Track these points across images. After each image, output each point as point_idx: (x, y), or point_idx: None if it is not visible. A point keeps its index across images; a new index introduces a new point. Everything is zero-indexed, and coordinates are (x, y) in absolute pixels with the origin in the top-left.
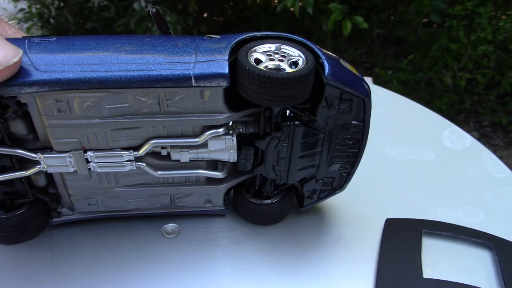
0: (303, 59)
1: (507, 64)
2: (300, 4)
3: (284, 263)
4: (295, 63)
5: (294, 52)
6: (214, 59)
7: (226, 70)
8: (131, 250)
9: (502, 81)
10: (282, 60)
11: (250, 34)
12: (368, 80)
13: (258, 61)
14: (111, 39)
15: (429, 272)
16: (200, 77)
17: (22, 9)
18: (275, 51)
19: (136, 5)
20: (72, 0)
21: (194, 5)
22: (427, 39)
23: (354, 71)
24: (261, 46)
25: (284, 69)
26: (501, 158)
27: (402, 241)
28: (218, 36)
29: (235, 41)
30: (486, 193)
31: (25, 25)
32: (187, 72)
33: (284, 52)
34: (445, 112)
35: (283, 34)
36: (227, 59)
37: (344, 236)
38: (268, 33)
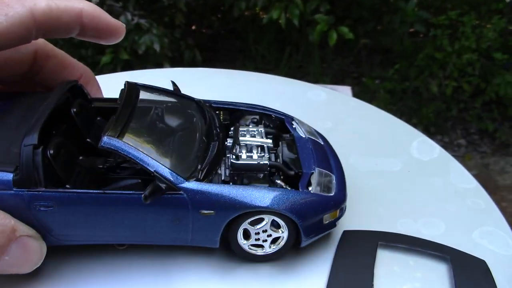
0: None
1: (491, 72)
2: (287, 16)
3: (231, 271)
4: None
5: (277, 232)
6: (206, 239)
7: (217, 245)
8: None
9: (487, 88)
10: (265, 240)
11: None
12: (347, 89)
13: (246, 235)
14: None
15: (381, 285)
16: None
17: None
18: (264, 230)
19: (122, 18)
20: None
21: (181, 17)
22: (412, 49)
23: None
24: (254, 227)
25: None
26: (487, 165)
27: (356, 253)
28: (213, 212)
29: (228, 220)
30: (450, 204)
31: None
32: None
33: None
34: (432, 120)
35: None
36: (218, 239)
37: (300, 247)
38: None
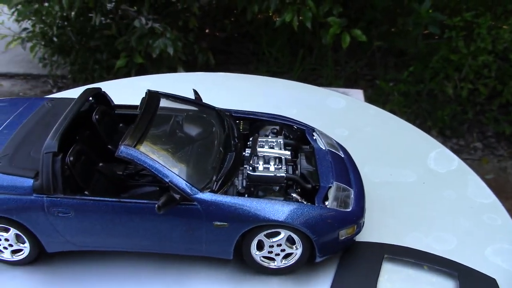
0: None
1: (508, 73)
2: (300, 18)
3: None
4: (288, 256)
5: (291, 248)
6: (220, 250)
7: (230, 257)
8: None
9: (504, 90)
10: (278, 254)
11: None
12: (359, 92)
13: (260, 246)
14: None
15: None
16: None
17: (25, 29)
18: (278, 244)
19: (137, 23)
20: (74, 19)
21: (195, 21)
22: (427, 51)
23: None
24: (270, 239)
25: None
26: (505, 168)
27: (360, 265)
28: (226, 224)
29: (241, 233)
30: (464, 219)
31: (29, 44)
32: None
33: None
34: (448, 123)
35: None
36: (231, 251)
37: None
38: None
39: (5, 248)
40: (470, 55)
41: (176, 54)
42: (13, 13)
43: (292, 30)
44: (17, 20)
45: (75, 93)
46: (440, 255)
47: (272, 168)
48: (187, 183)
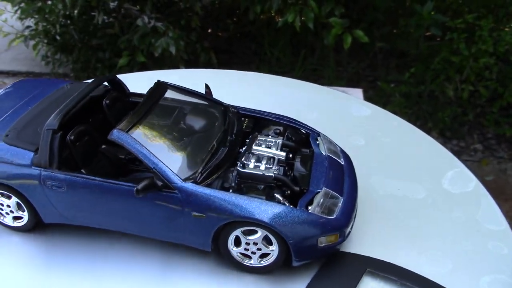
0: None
1: (509, 76)
2: (302, 19)
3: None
4: (265, 255)
5: (267, 248)
6: (198, 241)
7: (209, 249)
8: None
9: (505, 93)
10: (254, 253)
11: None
12: (358, 91)
13: (238, 242)
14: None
15: None
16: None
17: (28, 27)
18: (255, 242)
19: (139, 22)
20: (77, 18)
21: (197, 21)
22: (428, 52)
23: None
24: (246, 237)
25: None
26: (505, 170)
27: (338, 275)
28: (204, 215)
29: (218, 226)
30: (466, 243)
31: (32, 42)
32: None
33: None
34: (448, 124)
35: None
36: (209, 243)
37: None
38: None
39: (7, 213)
40: (472, 57)
41: (178, 53)
42: (16, 11)
43: (294, 31)
44: (20, 18)
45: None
46: (430, 277)
47: (262, 167)
48: (171, 172)
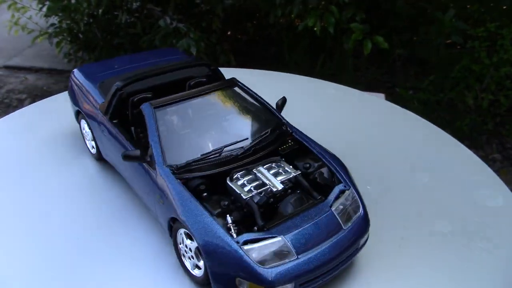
0: None
1: None
2: (322, 23)
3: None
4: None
5: (197, 260)
6: (162, 223)
7: (168, 234)
8: None
9: None
10: (190, 258)
11: None
12: (381, 96)
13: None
14: None
15: None
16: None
17: (52, 24)
18: (190, 248)
19: (161, 22)
20: (101, 17)
21: (218, 23)
22: (448, 60)
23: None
24: (187, 239)
25: None
26: None
27: None
28: (163, 203)
29: (169, 217)
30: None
31: (55, 40)
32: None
33: None
34: (467, 133)
35: None
36: (167, 229)
37: None
38: None
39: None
40: (492, 66)
41: (198, 54)
42: (41, 8)
43: (313, 35)
44: (46, 16)
45: None
46: None
47: (247, 188)
48: (160, 153)
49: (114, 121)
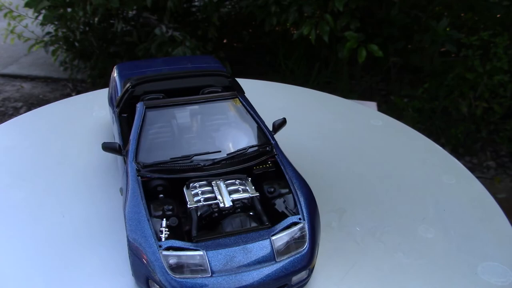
0: None
1: None
2: (317, 32)
3: None
4: None
5: None
6: None
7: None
8: None
9: None
10: None
11: None
12: (372, 105)
13: None
14: None
15: None
16: None
17: (48, 33)
18: None
19: (157, 31)
20: (97, 25)
21: (214, 31)
22: (443, 68)
23: None
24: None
25: None
26: None
27: None
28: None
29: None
30: None
31: (51, 48)
32: None
33: None
34: (461, 141)
35: None
36: None
37: None
38: None
39: None
40: (486, 74)
41: None
42: (37, 17)
43: (308, 43)
44: (42, 24)
45: (94, 95)
46: None
47: (198, 198)
48: (134, 150)
49: (123, 115)
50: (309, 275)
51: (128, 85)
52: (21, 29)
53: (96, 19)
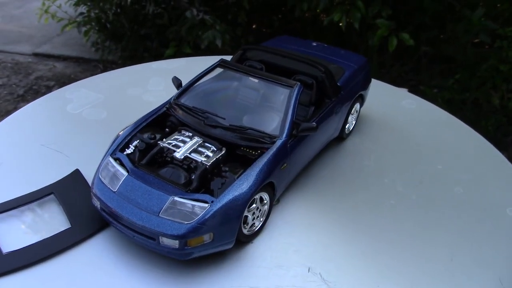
0: None
1: None
2: (348, 19)
3: None
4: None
5: None
6: None
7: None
8: None
9: None
10: None
11: None
12: (403, 91)
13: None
14: None
15: None
16: None
17: (81, 13)
18: None
19: (188, 14)
20: (129, 7)
21: (244, 16)
22: (475, 59)
23: None
24: None
25: None
26: None
27: None
28: None
29: None
30: None
31: (83, 29)
32: None
33: None
34: (492, 134)
35: None
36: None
37: None
38: None
39: None
40: None
41: (223, 47)
42: None
43: (338, 30)
44: (75, 5)
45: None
46: None
47: (170, 140)
48: (181, 92)
49: None
50: (184, 250)
51: (242, 49)
52: (55, 9)
53: (129, 0)
